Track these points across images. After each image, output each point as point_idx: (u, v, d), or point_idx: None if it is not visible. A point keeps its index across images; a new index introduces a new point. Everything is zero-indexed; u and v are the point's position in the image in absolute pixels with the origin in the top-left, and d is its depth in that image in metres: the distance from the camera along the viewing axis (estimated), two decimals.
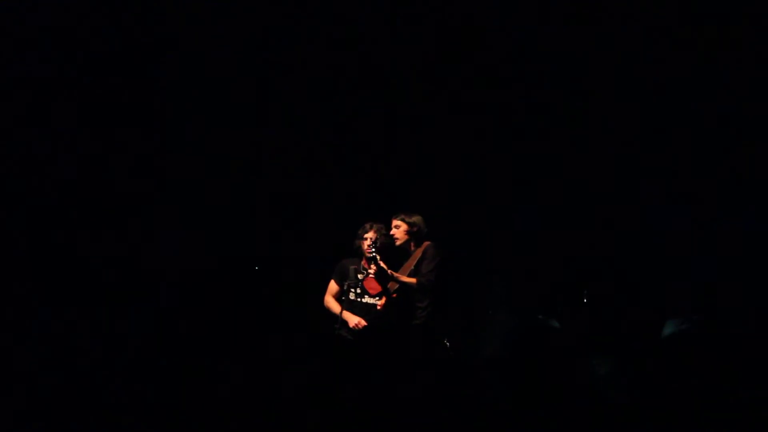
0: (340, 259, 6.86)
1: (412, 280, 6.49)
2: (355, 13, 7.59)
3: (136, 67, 7.62)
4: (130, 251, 7.52)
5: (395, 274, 6.52)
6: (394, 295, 6.60)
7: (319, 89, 7.94)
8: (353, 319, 6.57)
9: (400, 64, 7.81)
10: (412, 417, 4.94)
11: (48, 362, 4.91)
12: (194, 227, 7.84)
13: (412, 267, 6.56)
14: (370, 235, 6.61)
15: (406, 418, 4.92)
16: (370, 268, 6.58)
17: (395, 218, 6.67)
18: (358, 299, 6.65)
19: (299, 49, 7.78)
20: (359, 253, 6.74)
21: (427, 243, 6.62)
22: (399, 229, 6.64)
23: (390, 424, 4.92)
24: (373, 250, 6.46)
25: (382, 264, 6.47)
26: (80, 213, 7.50)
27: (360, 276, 6.70)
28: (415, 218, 6.66)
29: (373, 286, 6.67)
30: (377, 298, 6.63)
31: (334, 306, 6.71)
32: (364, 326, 6.50)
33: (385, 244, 6.57)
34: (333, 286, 6.80)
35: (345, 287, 6.69)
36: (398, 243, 6.65)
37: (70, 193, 7.49)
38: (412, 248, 6.66)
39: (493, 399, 5.24)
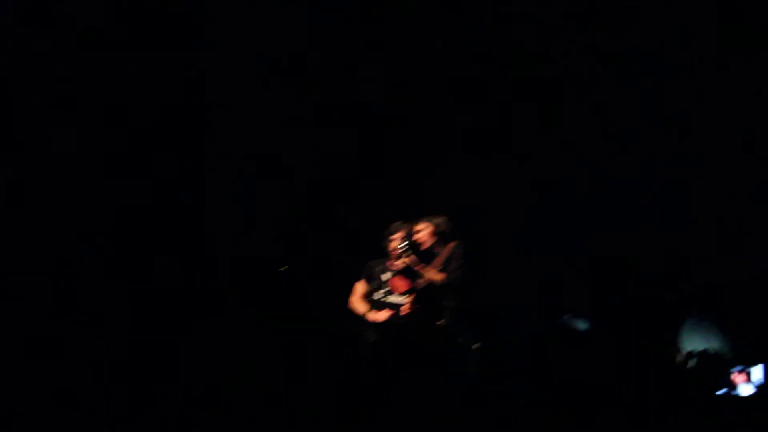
0: (367, 261, 6.90)
1: (440, 276, 6.51)
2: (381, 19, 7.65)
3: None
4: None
5: (424, 269, 6.54)
6: (421, 287, 6.61)
7: (348, 89, 7.98)
8: (377, 315, 6.60)
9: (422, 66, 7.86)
10: (436, 416, 4.99)
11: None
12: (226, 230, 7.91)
13: (439, 266, 6.58)
14: (398, 235, 6.65)
15: (429, 417, 4.96)
16: (398, 263, 6.61)
17: (418, 223, 6.70)
18: (384, 299, 6.70)
19: (335, 48, 7.83)
20: (386, 254, 6.77)
21: (454, 242, 6.64)
22: (423, 233, 6.67)
23: (413, 423, 4.97)
24: (405, 244, 6.50)
25: (412, 257, 6.51)
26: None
27: (386, 276, 6.74)
28: (439, 219, 6.69)
29: (399, 285, 6.68)
30: (404, 297, 6.67)
31: (360, 307, 6.73)
32: (391, 314, 6.53)
33: (414, 242, 6.61)
34: (359, 287, 6.83)
35: (372, 288, 6.73)
36: (424, 247, 6.66)
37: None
38: (439, 249, 6.69)
39: (518, 398, 5.28)
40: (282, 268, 7.60)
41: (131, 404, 4.88)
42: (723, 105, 7.51)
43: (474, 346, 6.45)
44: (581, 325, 7.37)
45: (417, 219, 6.71)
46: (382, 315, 6.58)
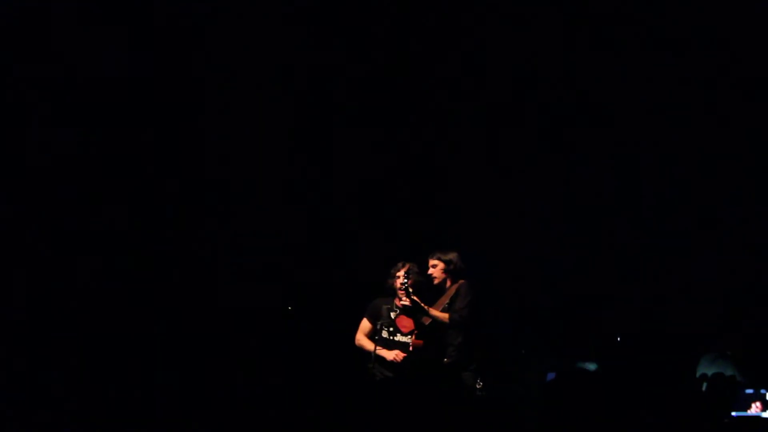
0: (373, 299, 6.85)
1: (445, 315, 6.47)
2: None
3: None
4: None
5: (428, 308, 6.50)
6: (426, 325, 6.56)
7: (353, 127, 8.06)
8: (390, 354, 6.54)
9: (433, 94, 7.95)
10: None
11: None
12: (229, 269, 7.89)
13: (446, 303, 6.55)
14: (402, 273, 6.62)
15: None
16: (403, 300, 6.56)
17: (431, 257, 6.69)
18: (391, 338, 6.63)
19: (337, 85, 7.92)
20: (392, 292, 6.73)
21: (462, 281, 6.61)
22: (436, 269, 6.65)
23: None
24: (406, 281, 6.47)
25: (414, 297, 6.47)
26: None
27: (393, 315, 6.69)
28: (451, 255, 6.67)
29: (406, 324, 6.64)
30: (409, 336, 6.61)
31: (366, 344, 6.68)
32: (403, 358, 6.47)
33: (417, 281, 6.58)
34: (365, 325, 6.78)
35: (378, 326, 6.66)
36: (436, 282, 6.66)
37: None
38: (449, 285, 6.66)
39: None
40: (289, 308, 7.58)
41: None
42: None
43: (478, 385, 6.35)
44: (590, 366, 7.31)
45: (431, 253, 6.70)
46: (392, 354, 6.51)
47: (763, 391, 5.51)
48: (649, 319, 7.61)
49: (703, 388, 5.70)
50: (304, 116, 7.95)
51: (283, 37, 7.71)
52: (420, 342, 6.49)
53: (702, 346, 6.72)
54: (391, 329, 6.64)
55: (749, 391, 5.59)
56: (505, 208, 8.05)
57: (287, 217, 7.99)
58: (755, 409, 5.62)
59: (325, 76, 7.86)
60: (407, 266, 6.65)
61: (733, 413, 5.53)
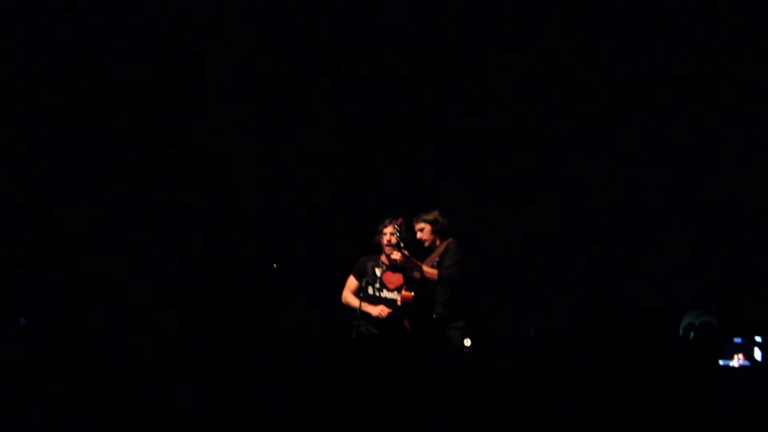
0: (359, 256, 6.86)
1: (434, 271, 6.49)
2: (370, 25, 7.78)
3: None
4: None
5: (419, 263, 6.52)
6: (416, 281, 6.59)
7: (335, 91, 8.05)
8: (375, 309, 6.56)
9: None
10: (426, 411, 4.91)
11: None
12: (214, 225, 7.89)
13: (436, 260, 6.57)
14: (389, 230, 6.62)
15: (420, 413, 4.88)
16: (393, 255, 6.56)
17: (416, 221, 6.69)
18: (377, 294, 6.65)
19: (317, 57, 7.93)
20: (378, 250, 6.74)
21: (451, 239, 6.64)
22: (424, 231, 6.67)
23: (405, 419, 4.89)
24: (398, 234, 6.47)
25: (405, 252, 6.48)
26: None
27: (379, 271, 6.70)
28: (433, 215, 6.69)
29: (392, 280, 6.66)
30: (396, 292, 6.62)
31: (352, 301, 6.69)
32: (388, 313, 6.49)
33: (407, 237, 6.59)
34: (351, 282, 6.79)
35: (364, 283, 6.68)
36: (427, 244, 6.68)
37: None
38: (438, 243, 6.69)
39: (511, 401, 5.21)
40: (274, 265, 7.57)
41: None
42: None
43: (466, 343, 6.37)
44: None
45: (415, 217, 6.71)
46: (377, 310, 6.52)
47: (759, 340, 5.59)
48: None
49: (690, 337, 5.77)
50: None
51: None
52: (410, 294, 6.51)
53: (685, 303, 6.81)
54: (377, 285, 6.66)
55: (738, 340, 5.67)
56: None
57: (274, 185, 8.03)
58: (737, 360, 5.69)
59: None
60: (399, 221, 6.64)
61: (720, 362, 5.61)
